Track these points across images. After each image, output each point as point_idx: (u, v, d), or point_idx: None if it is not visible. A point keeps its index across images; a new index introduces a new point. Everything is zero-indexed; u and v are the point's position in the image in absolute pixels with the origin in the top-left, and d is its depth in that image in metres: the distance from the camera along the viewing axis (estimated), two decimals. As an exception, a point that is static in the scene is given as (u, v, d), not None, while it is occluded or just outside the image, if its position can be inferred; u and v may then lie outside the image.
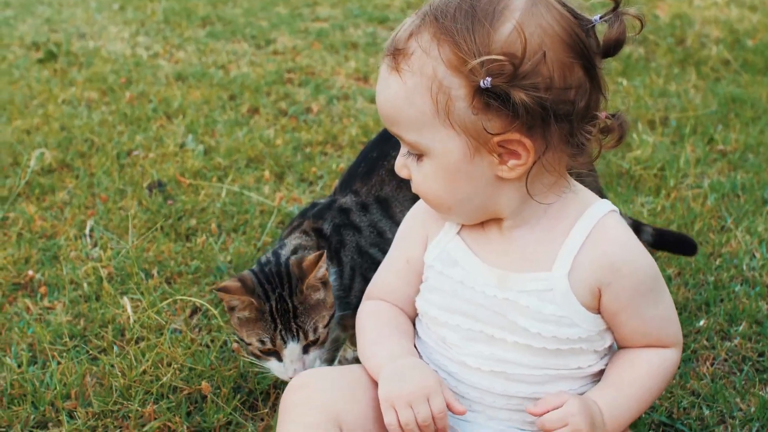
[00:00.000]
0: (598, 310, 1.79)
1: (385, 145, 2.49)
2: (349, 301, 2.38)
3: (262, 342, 2.20)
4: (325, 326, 2.24)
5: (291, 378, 2.12)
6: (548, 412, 1.72)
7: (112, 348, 2.51)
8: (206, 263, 2.94)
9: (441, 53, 1.62)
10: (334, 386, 1.83)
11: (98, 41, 5.49)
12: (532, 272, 1.78)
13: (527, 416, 1.83)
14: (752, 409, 2.30)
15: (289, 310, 2.20)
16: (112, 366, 2.41)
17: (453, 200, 1.76)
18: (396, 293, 1.96)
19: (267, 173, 3.60)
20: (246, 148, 3.83)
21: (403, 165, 1.78)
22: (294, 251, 2.35)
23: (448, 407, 1.75)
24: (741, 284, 2.85)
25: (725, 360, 2.51)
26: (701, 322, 2.64)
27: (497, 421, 1.86)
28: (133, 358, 2.43)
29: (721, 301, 2.76)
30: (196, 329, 2.63)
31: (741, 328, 2.62)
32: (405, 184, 2.00)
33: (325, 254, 2.23)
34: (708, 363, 2.50)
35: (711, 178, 3.61)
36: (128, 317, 2.62)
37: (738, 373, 2.45)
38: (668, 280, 2.82)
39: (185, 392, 2.34)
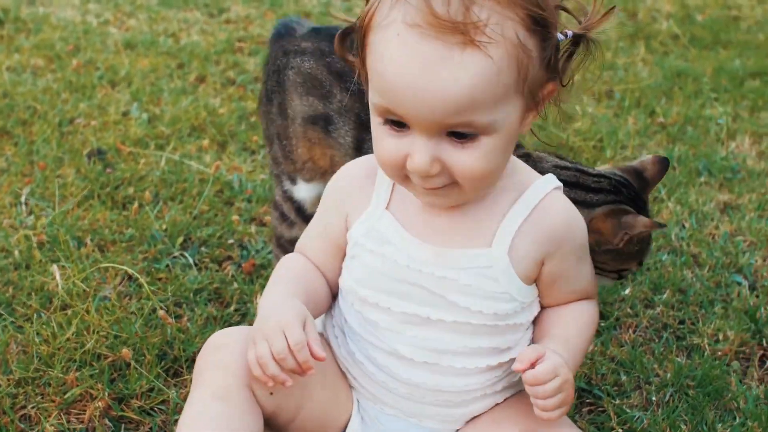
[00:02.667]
0: (534, 281, 1.80)
1: None
2: None
3: None
4: None
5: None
6: (531, 365, 1.67)
7: (38, 316, 2.51)
8: (140, 231, 2.95)
9: (516, 13, 1.51)
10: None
11: (48, 7, 5.42)
12: (471, 249, 1.75)
13: (451, 414, 1.85)
14: (668, 375, 2.35)
15: None
16: (38, 333, 2.42)
17: (501, 173, 1.70)
18: (318, 257, 1.91)
19: (206, 141, 3.60)
20: (190, 117, 3.82)
21: (435, 159, 1.57)
22: None
23: (309, 348, 1.66)
24: (668, 254, 2.89)
25: (647, 327, 2.56)
26: (626, 291, 2.68)
27: (422, 418, 1.87)
28: (56, 325, 2.44)
29: (648, 270, 2.79)
30: (126, 297, 2.63)
31: (664, 296, 2.67)
32: None
33: None
34: (630, 330, 2.54)
35: (649, 149, 3.64)
36: (56, 285, 2.62)
37: (657, 340, 2.49)
38: (597, 249, 2.85)
39: (109, 359, 2.34)
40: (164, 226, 2.98)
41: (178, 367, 2.36)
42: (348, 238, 1.85)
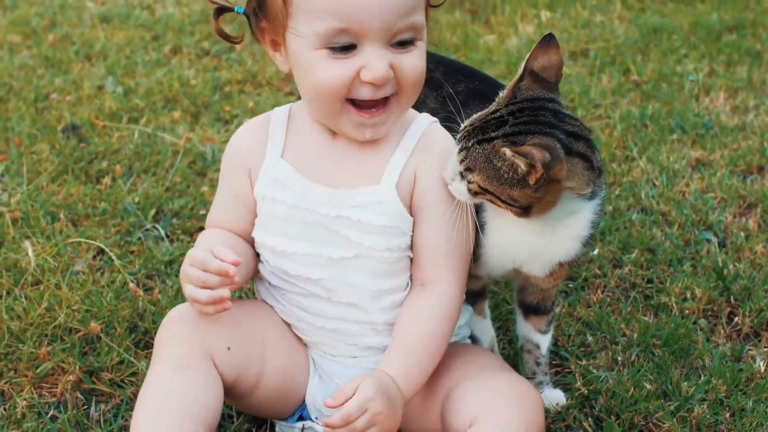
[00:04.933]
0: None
1: None
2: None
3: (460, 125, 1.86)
4: (484, 194, 1.79)
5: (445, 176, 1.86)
6: (346, 401, 1.72)
7: (11, 293, 2.52)
8: (113, 205, 2.95)
9: None
10: (209, 320, 1.86)
11: (24, -17, 5.42)
12: (362, 186, 1.86)
13: (369, 341, 1.95)
14: (635, 335, 2.36)
15: (490, 139, 1.76)
16: (11, 309, 2.43)
17: None
18: (235, 224, 1.99)
19: (177, 113, 3.60)
20: (164, 89, 3.82)
21: (389, 65, 1.74)
22: None
23: (220, 255, 1.77)
24: (638, 213, 2.90)
25: (615, 287, 2.57)
26: (595, 251, 2.69)
27: (359, 356, 1.96)
28: (25, 301, 2.45)
29: (617, 230, 2.80)
30: (98, 271, 2.65)
31: (633, 255, 2.68)
32: None
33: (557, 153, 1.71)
34: (598, 291, 2.56)
35: (622, 108, 3.64)
36: (29, 261, 2.63)
37: (625, 300, 2.51)
38: (567, 210, 2.86)
39: (80, 333, 2.36)
40: (137, 199, 2.99)
41: (148, 339, 2.37)
42: (255, 196, 1.94)
